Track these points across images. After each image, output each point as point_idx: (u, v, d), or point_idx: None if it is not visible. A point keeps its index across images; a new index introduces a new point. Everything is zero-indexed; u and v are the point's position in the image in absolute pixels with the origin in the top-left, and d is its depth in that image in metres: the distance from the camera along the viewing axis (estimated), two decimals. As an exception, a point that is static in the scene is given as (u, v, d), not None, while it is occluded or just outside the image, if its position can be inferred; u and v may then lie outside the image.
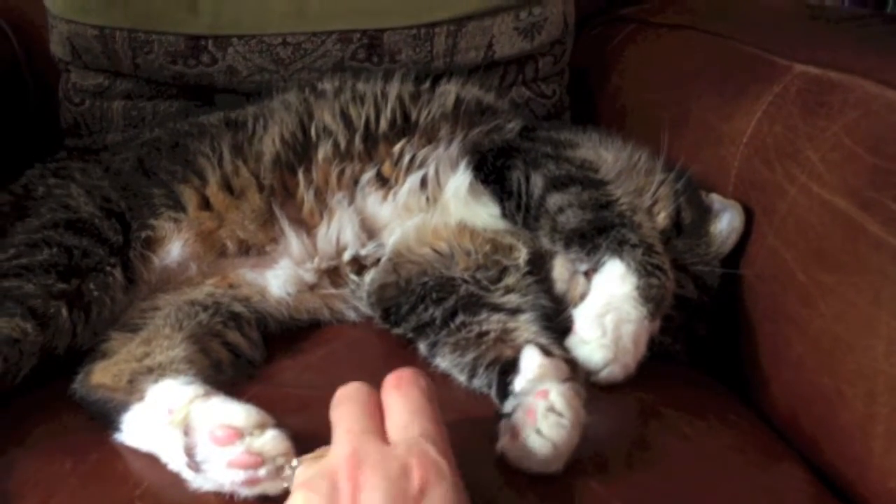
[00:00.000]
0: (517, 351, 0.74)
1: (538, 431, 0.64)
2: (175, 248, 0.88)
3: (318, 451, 0.60)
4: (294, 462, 0.61)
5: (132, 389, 0.70)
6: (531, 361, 0.71)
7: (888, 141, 0.73)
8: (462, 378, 0.78)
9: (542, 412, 0.64)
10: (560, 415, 0.65)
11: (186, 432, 0.63)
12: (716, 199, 0.92)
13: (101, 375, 0.73)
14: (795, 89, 0.88)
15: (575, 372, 0.72)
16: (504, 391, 0.72)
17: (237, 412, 0.63)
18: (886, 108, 0.75)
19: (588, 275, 0.82)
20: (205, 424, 0.62)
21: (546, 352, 0.73)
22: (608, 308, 0.78)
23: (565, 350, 0.76)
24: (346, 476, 0.53)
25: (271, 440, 0.61)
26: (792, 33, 1.04)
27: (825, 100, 0.82)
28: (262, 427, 0.62)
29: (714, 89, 1.03)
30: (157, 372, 0.72)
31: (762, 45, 0.99)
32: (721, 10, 1.30)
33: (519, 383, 0.70)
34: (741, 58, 1.02)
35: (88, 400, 0.73)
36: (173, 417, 0.64)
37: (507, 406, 0.69)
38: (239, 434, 0.61)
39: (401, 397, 0.60)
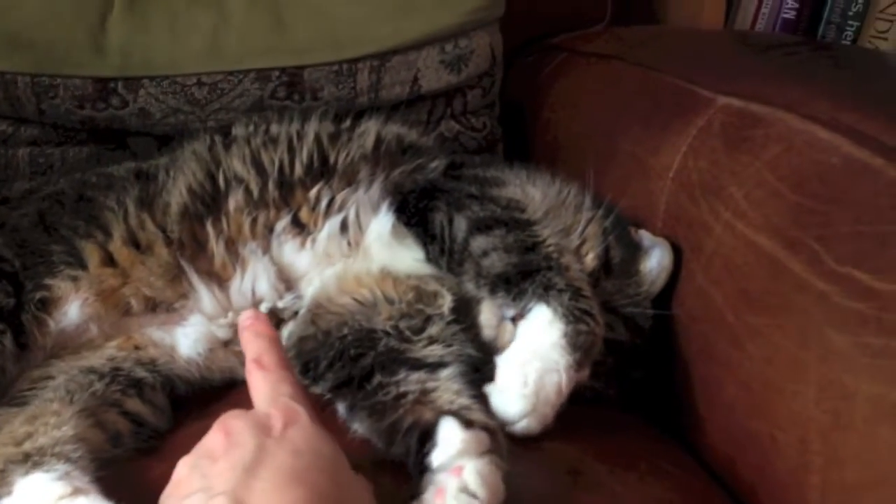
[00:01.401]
0: (437, 413, 0.70)
1: None
2: (73, 309, 0.81)
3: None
4: None
5: (3, 481, 0.64)
6: (450, 436, 0.66)
7: (811, 178, 0.71)
8: (381, 445, 0.73)
9: (452, 493, 0.60)
10: (473, 496, 0.60)
11: None
12: (645, 236, 0.89)
13: (-24, 461, 0.67)
14: (719, 123, 0.86)
15: (496, 441, 0.67)
16: (421, 464, 0.67)
17: None
18: (808, 144, 0.73)
19: (515, 320, 0.78)
20: None
21: (466, 422, 0.68)
22: (533, 356, 0.74)
23: (488, 412, 0.72)
24: (221, 449, 0.56)
25: None
26: (717, 63, 1.02)
27: (748, 134, 0.80)
28: None
29: (641, 122, 1.01)
30: (35, 458, 0.65)
31: (687, 76, 0.97)
32: (651, 38, 1.29)
33: (437, 458, 0.65)
34: (667, 89, 1.00)
35: (-39, 489, 0.66)
36: None
37: (423, 484, 0.64)
38: None
39: (265, 373, 0.64)
